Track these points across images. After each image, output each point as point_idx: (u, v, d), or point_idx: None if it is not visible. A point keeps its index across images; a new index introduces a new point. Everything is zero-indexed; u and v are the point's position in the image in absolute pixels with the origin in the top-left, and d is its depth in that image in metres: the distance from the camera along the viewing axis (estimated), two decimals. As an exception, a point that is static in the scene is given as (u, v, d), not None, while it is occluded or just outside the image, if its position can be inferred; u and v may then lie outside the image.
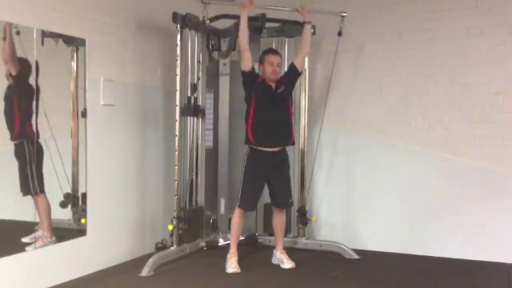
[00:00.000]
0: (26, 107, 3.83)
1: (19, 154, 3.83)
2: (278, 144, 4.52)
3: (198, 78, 5.03)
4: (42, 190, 3.94)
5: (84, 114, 4.23)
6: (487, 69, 4.81)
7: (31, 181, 3.86)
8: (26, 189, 3.85)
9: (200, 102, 5.02)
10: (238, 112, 5.22)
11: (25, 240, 3.86)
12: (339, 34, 4.87)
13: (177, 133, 4.69)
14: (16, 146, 3.82)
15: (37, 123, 3.86)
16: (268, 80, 4.55)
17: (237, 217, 4.56)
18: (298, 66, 4.65)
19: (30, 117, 3.84)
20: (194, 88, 4.94)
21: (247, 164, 4.54)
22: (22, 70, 3.79)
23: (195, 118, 5.01)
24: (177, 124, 4.69)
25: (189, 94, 4.89)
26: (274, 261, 4.68)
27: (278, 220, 4.70)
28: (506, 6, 4.73)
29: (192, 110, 4.91)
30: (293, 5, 5.40)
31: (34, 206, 3.92)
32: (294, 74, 4.67)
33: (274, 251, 4.71)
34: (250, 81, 4.50)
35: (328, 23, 5.23)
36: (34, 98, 3.83)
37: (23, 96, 3.84)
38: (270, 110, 4.49)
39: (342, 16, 4.77)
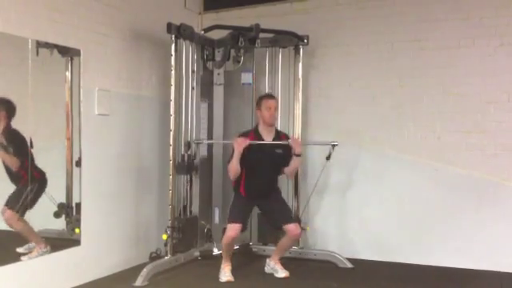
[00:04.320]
0: (23, 159, 3.81)
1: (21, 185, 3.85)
2: (266, 195, 4.58)
3: (193, 88, 5.06)
4: (23, 214, 3.85)
5: (78, 164, 4.25)
6: (479, 79, 4.86)
7: (22, 202, 3.82)
8: (12, 204, 3.79)
9: (193, 158, 5.03)
10: (233, 121, 5.25)
11: (19, 250, 3.85)
12: (327, 158, 4.82)
13: (171, 143, 4.72)
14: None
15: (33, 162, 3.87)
16: (266, 125, 4.55)
17: (227, 237, 4.43)
18: (285, 169, 4.64)
19: (28, 163, 3.83)
20: (188, 145, 4.96)
21: (235, 195, 4.59)
22: (2, 117, 3.73)
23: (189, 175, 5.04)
24: (171, 134, 4.73)
25: (182, 152, 4.91)
26: (268, 270, 4.68)
27: (287, 241, 4.59)
28: (496, 17, 4.79)
29: (186, 168, 4.92)
30: (285, 12, 5.48)
31: (9, 225, 3.80)
32: (284, 163, 4.61)
33: (268, 260, 4.70)
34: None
35: (321, 32, 5.29)
36: (28, 145, 3.81)
37: (19, 153, 3.81)
38: (264, 171, 4.52)
39: (333, 145, 4.75)
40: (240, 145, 4.40)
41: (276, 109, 4.60)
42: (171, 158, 4.73)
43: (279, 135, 4.65)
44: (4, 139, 3.72)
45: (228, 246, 4.50)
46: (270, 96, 4.76)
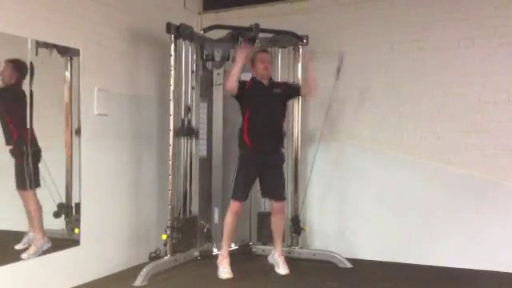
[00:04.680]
0: (20, 114, 3.84)
1: (16, 152, 3.85)
2: (271, 147, 4.63)
3: (192, 88, 5.07)
4: (38, 185, 3.94)
5: (78, 131, 4.26)
6: (478, 79, 4.86)
7: (28, 176, 3.86)
8: (21, 184, 3.85)
9: (194, 124, 5.07)
10: (232, 121, 5.25)
11: (18, 247, 3.86)
12: (338, 71, 5.01)
13: (171, 142, 4.71)
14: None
15: (31, 126, 3.87)
16: (260, 77, 4.65)
17: (230, 214, 4.61)
18: (303, 90, 4.86)
19: (25, 123, 3.84)
20: (188, 110, 4.98)
21: (241, 161, 4.63)
22: (14, 77, 3.82)
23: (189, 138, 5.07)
24: (171, 133, 4.71)
25: (182, 116, 4.93)
26: (270, 259, 4.74)
27: (276, 220, 4.72)
28: (496, 17, 4.79)
29: (186, 131, 4.96)
30: (285, 12, 5.47)
31: (25, 206, 3.89)
32: (295, 91, 4.81)
33: (273, 251, 4.77)
34: (241, 95, 4.56)
35: (321, 31, 5.28)
36: (28, 103, 3.83)
37: (16, 104, 3.87)
38: (264, 111, 4.58)
39: (342, 55, 4.97)
40: (243, 51, 4.54)
41: (269, 62, 4.70)
42: (170, 158, 4.72)
43: (278, 84, 4.80)
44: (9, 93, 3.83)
45: (231, 223, 4.60)
46: (263, 50, 4.85)
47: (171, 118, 4.72)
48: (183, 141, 4.98)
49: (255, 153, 4.56)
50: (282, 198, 4.73)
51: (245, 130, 4.58)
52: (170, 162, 4.72)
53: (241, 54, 4.56)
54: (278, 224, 4.75)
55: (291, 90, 4.83)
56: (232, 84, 4.53)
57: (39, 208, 3.97)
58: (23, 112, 3.83)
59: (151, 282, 4.28)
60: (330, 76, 5.09)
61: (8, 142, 3.81)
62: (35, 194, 3.94)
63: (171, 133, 4.73)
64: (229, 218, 4.63)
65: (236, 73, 4.50)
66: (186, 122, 4.96)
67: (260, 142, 4.56)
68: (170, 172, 4.73)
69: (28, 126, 3.85)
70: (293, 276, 4.56)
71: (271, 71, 4.78)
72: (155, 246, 4.87)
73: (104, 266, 4.51)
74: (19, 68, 3.83)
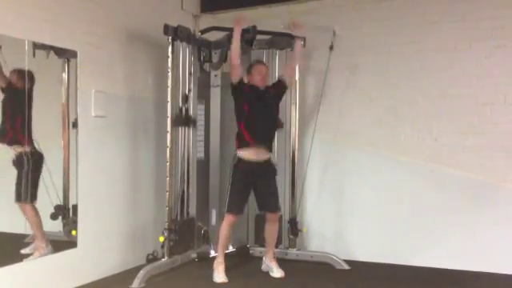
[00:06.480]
0: (21, 119, 3.83)
1: (18, 162, 3.86)
2: (267, 143, 4.62)
3: (190, 90, 5.07)
4: (34, 200, 3.94)
5: (75, 125, 4.25)
6: (475, 81, 4.87)
7: (25, 189, 3.86)
8: (18, 196, 3.86)
9: (191, 113, 5.06)
10: (229, 123, 5.25)
11: (24, 251, 3.89)
12: (331, 47, 5.00)
13: (168, 144, 4.72)
14: (16, 155, 3.87)
15: (31, 131, 3.87)
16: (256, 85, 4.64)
17: (225, 225, 4.56)
18: (286, 79, 4.76)
19: (24, 128, 3.85)
20: (186, 98, 4.97)
21: (234, 172, 4.59)
22: (15, 82, 3.82)
23: (186, 129, 5.04)
24: (168, 135, 4.72)
25: (180, 105, 4.93)
26: (264, 268, 4.70)
27: (271, 228, 4.71)
28: (492, 19, 4.80)
29: (183, 120, 4.95)
30: (282, 14, 5.49)
31: (25, 217, 3.91)
32: (281, 87, 4.74)
33: (264, 258, 4.74)
34: (240, 91, 4.57)
35: (318, 37, 5.28)
36: (27, 109, 3.83)
37: (15, 108, 3.84)
38: (260, 110, 4.57)
39: (334, 31, 4.91)
40: (238, 22, 4.56)
41: (267, 74, 4.72)
42: (168, 159, 4.72)
43: (268, 89, 4.72)
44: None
45: (226, 235, 4.56)
46: (261, 62, 4.86)
47: (168, 120, 4.73)
48: (180, 132, 4.98)
49: (247, 163, 4.53)
50: (277, 210, 4.72)
51: (243, 128, 4.55)
52: (168, 163, 4.72)
53: (237, 27, 4.55)
54: (272, 233, 4.74)
55: (279, 88, 4.74)
56: (236, 58, 4.52)
57: (37, 219, 3.97)
58: (21, 113, 3.84)
59: (148, 284, 4.28)
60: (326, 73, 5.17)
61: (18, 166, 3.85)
62: (33, 206, 3.95)
63: (168, 134, 4.73)
64: (224, 230, 4.56)
65: (237, 47, 4.52)
66: (183, 111, 4.95)
67: (259, 137, 4.55)
68: (168, 174, 4.72)
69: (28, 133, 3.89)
70: (290, 278, 4.56)
71: (268, 81, 4.76)
72: (152, 248, 4.88)
73: (101, 267, 4.50)
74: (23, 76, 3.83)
